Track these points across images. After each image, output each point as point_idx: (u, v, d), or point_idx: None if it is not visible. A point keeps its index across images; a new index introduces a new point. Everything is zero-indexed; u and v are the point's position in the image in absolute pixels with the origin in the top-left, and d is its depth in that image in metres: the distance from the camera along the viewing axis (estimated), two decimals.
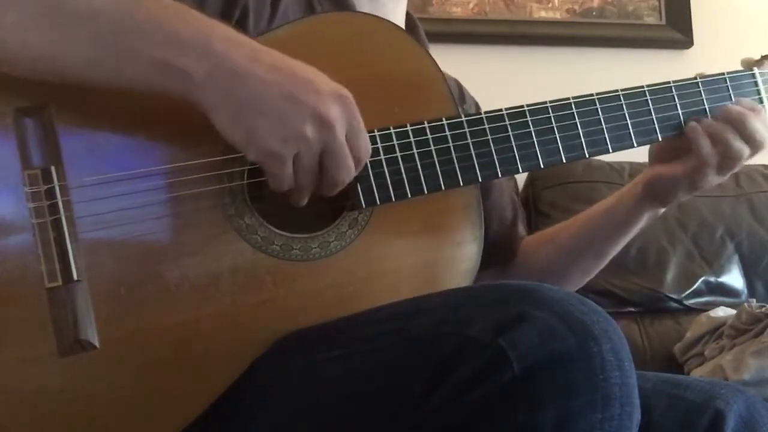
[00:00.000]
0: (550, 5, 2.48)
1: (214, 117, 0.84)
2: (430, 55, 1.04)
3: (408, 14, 1.21)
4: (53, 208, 0.82)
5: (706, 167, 1.09)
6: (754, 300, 1.96)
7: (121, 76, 0.83)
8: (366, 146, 0.89)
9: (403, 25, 1.17)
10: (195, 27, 0.84)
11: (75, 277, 0.82)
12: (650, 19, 2.53)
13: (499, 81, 2.23)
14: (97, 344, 0.82)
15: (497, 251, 1.25)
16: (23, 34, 0.82)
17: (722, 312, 1.98)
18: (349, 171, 0.88)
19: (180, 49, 0.82)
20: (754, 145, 1.09)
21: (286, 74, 0.85)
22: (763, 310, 1.83)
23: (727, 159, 1.09)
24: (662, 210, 1.21)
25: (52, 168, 0.82)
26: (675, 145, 1.12)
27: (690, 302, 2.12)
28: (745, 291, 2.15)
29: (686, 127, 1.10)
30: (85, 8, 0.82)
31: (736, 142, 1.09)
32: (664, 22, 2.52)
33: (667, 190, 1.15)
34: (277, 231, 0.92)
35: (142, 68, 0.82)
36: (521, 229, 1.35)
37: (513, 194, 1.36)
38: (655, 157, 1.18)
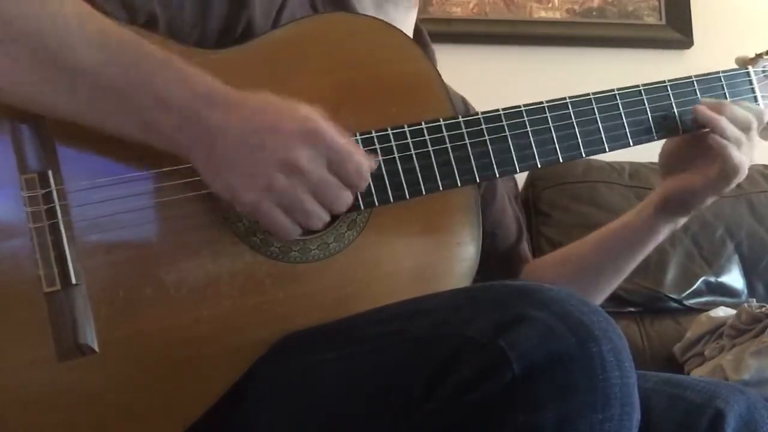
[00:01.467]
0: (550, 5, 2.48)
1: (202, 176, 0.85)
2: (428, 56, 1.04)
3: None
4: (50, 212, 0.82)
5: (732, 171, 1.10)
6: (754, 300, 1.96)
7: (106, 130, 0.84)
8: (357, 169, 0.88)
9: (411, 34, 1.16)
10: (181, 87, 0.84)
11: (73, 281, 0.82)
12: (650, 19, 2.53)
13: (499, 81, 2.23)
14: (96, 348, 0.82)
15: (499, 272, 1.24)
16: (13, 79, 0.82)
17: (722, 312, 1.98)
18: (344, 201, 0.88)
19: (166, 114, 0.83)
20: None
21: (253, 122, 0.84)
22: (763, 310, 1.83)
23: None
24: (684, 220, 1.20)
25: (49, 172, 0.82)
26: (687, 154, 1.13)
27: (690, 302, 2.12)
28: (745, 291, 2.15)
29: (708, 136, 1.10)
30: (78, 64, 0.82)
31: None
32: (664, 22, 2.52)
33: (692, 200, 1.15)
34: None
35: (126, 128, 0.84)
36: (525, 249, 1.33)
37: (518, 214, 1.34)
38: (668, 169, 1.17)
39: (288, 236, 0.88)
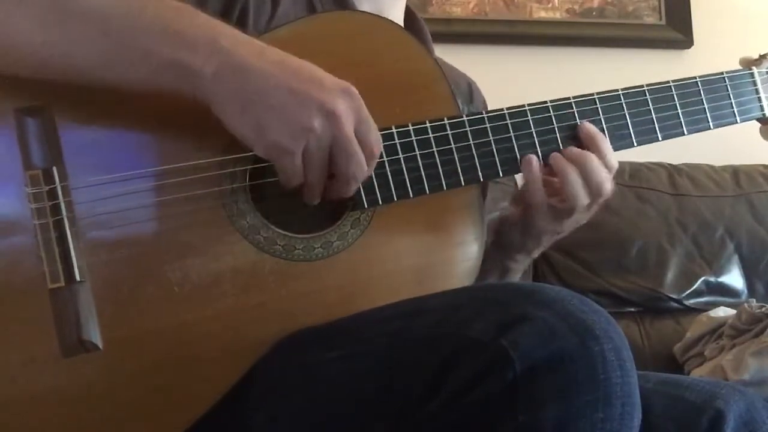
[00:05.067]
0: (550, 5, 2.48)
1: (223, 112, 0.84)
2: (432, 54, 1.04)
3: (412, 13, 1.21)
4: (55, 209, 0.81)
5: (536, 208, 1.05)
6: (754, 300, 1.96)
7: (131, 76, 0.84)
8: (377, 140, 0.89)
9: (401, 23, 1.16)
10: (202, 26, 0.85)
11: (77, 277, 0.81)
12: (650, 19, 2.53)
13: (499, 81, 2.22)
14: (100, 345, 0.82)
15: None
16: (32, 35, 0.82)
17: (722, 312, 1.98)
18: (360, 165, 0.88)
19: (189, 47, 0.83)
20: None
21: (291, 70, 0.86)
22: (763, 310, 1.84)
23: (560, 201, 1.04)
24: (535, 249, 1.14)
25: (54, 168, 0.82)
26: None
27: (690, 302, 2.12)
28: (745, 291, 2.15)
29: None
30: (93, 9, 0.83)
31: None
32: (664, 22, 2.53)
33: (505, 233, 1.12)
34: (279, 231, 0.92)
35: (152, 68, 0.83)
36: None
37: None
38: None
39: (291, 183, 0.88)
